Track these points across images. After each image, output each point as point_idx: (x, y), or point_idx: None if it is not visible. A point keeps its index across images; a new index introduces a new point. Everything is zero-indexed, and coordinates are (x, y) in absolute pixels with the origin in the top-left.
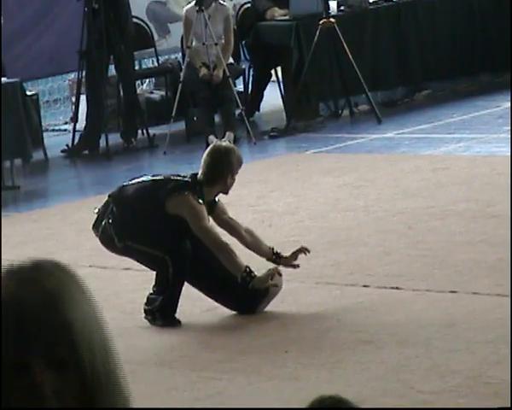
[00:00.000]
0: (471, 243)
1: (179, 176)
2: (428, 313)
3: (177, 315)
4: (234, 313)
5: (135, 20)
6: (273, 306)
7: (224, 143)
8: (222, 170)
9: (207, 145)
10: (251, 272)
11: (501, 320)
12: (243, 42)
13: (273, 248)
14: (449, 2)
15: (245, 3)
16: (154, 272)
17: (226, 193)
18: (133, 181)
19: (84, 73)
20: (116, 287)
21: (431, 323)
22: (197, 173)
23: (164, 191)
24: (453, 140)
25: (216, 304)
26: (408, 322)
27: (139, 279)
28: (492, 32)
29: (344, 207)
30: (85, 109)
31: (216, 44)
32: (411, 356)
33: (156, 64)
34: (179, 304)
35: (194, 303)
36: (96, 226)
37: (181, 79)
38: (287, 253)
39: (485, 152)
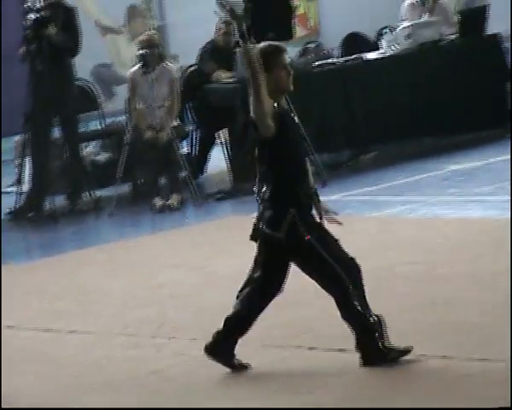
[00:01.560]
0: (417, 306)
1: None
2: (375, 375)
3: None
4: (182, 374)
5: (80, 82)
6: (221, 368)
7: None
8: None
9: (153, 208)
10: None
11: (446, 383)
12: (189, 104)
13: None
14: (393, 65)
15: (191, 66)
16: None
17: (285, 90)
18: None
19: (28, 135)
20: (60, 350)
21: (377, 385)
22: None
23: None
24: (398, 202)
25: (160, 366)
26: (354, 384)
27: (84, 342)
28: (437, 96)
29: (290, 269)
30: (30, 171)
31: (161, 107)
32: None
33: (102, 126)
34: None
35: (138, 365)
36: (278, 227)
37: (126, 141)
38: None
39: (431, 214)
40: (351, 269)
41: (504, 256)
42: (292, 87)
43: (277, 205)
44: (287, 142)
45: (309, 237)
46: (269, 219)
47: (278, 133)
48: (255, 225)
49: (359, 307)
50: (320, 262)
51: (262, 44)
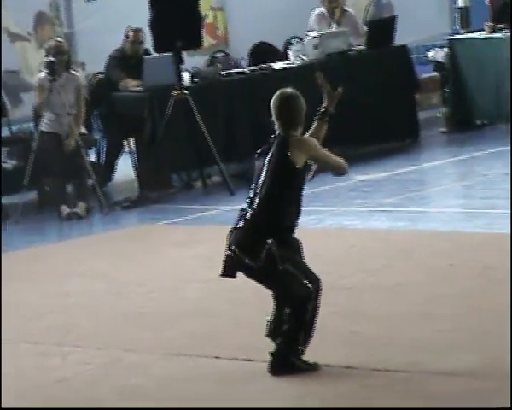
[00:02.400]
0: (323, 315)
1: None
2: (279, 385)
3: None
4: (87, 383)
5: None
6: (123, 377)
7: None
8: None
9: (59, 215)
10: None
11: (350, 393)
12: (96, 112)
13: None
14: (301, 75)
15: (98, 73)
16: None
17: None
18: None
19: None
20: None
21: (282, 395)
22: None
23: (278, 161)
24: (304, 213)
25: (66, 375)
26: (259, 394)
27: None
28: (344, 106)
29: (196, 278)
30: None
31: (68, 114)
32: None
33: (9, 133)
34: None
35: (44, 373)
36: (255, 257)
37: (33, 148)
38: (139, 324)
39: (337, 225)
40: (314, 283)
41: (409, 267)
42: None
43: (258, 231)
44: (302, 176)
45: (281, 267)
46: (245, 245)
47: (303, 166)
48: (231, 250)
49: (306, 319)
50: (288, 278)
51: (284, 92)
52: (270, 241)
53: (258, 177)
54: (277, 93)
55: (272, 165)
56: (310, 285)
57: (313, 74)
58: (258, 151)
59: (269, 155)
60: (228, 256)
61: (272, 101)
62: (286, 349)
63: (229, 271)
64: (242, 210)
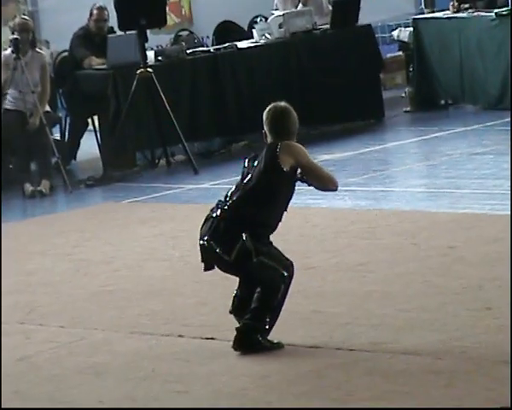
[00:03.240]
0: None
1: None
2: (243, 364)
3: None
4: (50, 361)
5: None
6: (86, 355)
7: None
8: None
9: (23, 193)
10: None
11: (314, 372)
12: (60, 90)
13: None
14: (266, 53)
15: (62, 51)
16: None
17: None
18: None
19: None
20: None
21: (245, 374)
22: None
23: (267, 161)
24: None
25: (29, 353)
26: (222, 372)
27: None
28: (309, 85)
29: (160, 256)
30: None
31: (33, 92)
32: (226, 408)
33: None
34: None
35: (7, 352)
36: (228, 250)
37: None
38: (103, 302)
39: (301, 204)
40: (290, 269)
41: (372, 247)
42: None
43: (234, 223)
44: (288, 182)
45: (256, 260)
46: (219, 236)
47: (290, 171)
48: (207, 240)
49: (276, 302)
50: (263, 269)
51: (279, 106)
52: (244, 235)
53: (245, 178)
54: (271, 107)
55: (260, 165)
56: (285, 273)
57: (278, 53)
58: (249, 156)
59: (258, 158)
60: (201, 246)
61: (265, 115)
62: (252, 326)
63: (206, 263)
64: (220, 201)
